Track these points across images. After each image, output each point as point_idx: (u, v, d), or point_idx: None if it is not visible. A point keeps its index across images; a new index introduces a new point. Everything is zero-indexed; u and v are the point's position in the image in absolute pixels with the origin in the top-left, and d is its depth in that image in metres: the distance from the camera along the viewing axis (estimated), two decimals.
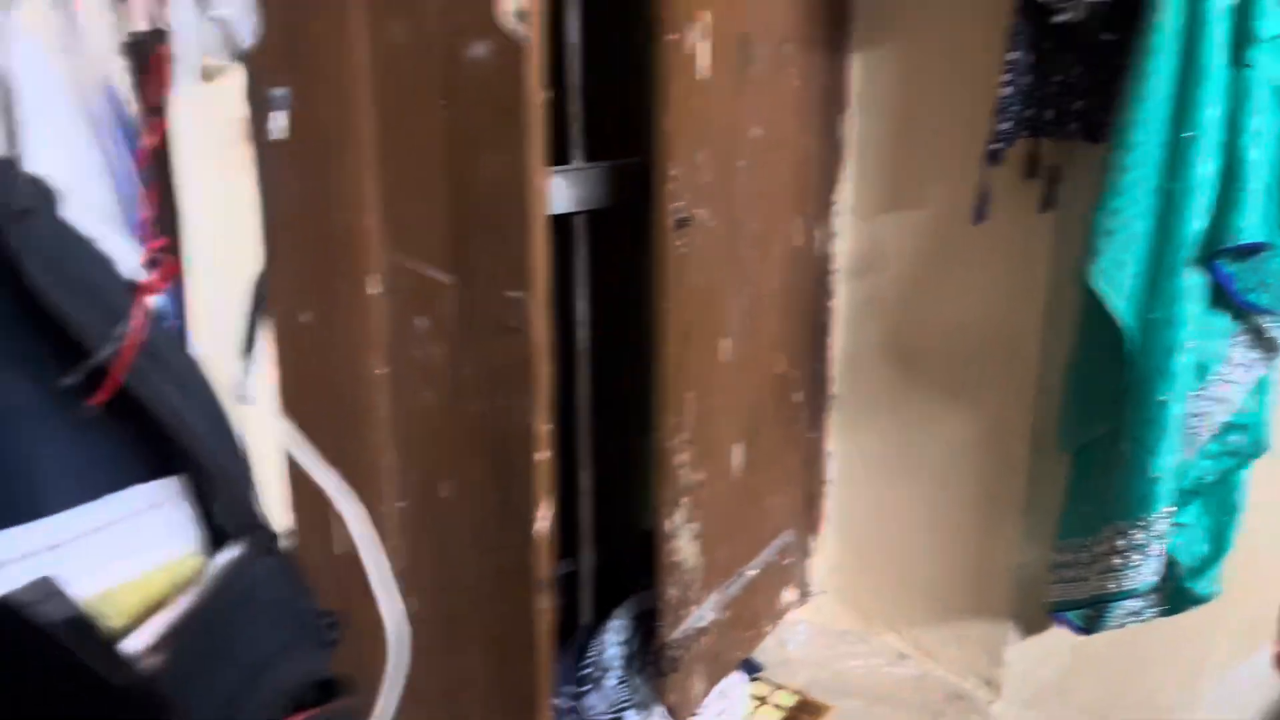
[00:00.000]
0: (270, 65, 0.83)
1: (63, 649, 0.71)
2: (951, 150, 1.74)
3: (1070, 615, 1.65)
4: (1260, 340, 1.44)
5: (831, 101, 1.84)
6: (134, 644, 0.76)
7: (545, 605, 1.19)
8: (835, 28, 1.80)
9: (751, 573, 1.86)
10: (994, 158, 1.53)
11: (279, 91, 0.86)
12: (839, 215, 1.92)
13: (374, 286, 1.14)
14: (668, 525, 1.58)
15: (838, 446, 2.05)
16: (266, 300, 0.84)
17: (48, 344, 0.82)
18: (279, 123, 0.87)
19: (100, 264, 0.73)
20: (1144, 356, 1.39)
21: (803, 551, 2.06)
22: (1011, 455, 1.76)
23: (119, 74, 0.83)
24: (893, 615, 2.04)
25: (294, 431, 0.88)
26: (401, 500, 1.20)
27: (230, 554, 0.80)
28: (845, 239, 1.94)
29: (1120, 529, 1.44)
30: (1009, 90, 1.48)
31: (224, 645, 0.70)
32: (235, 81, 0.89)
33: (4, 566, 0.81)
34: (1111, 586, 1.48)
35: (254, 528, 0.77)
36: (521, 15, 1.05)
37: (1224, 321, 1.43)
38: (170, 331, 0.76)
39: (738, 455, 1.76)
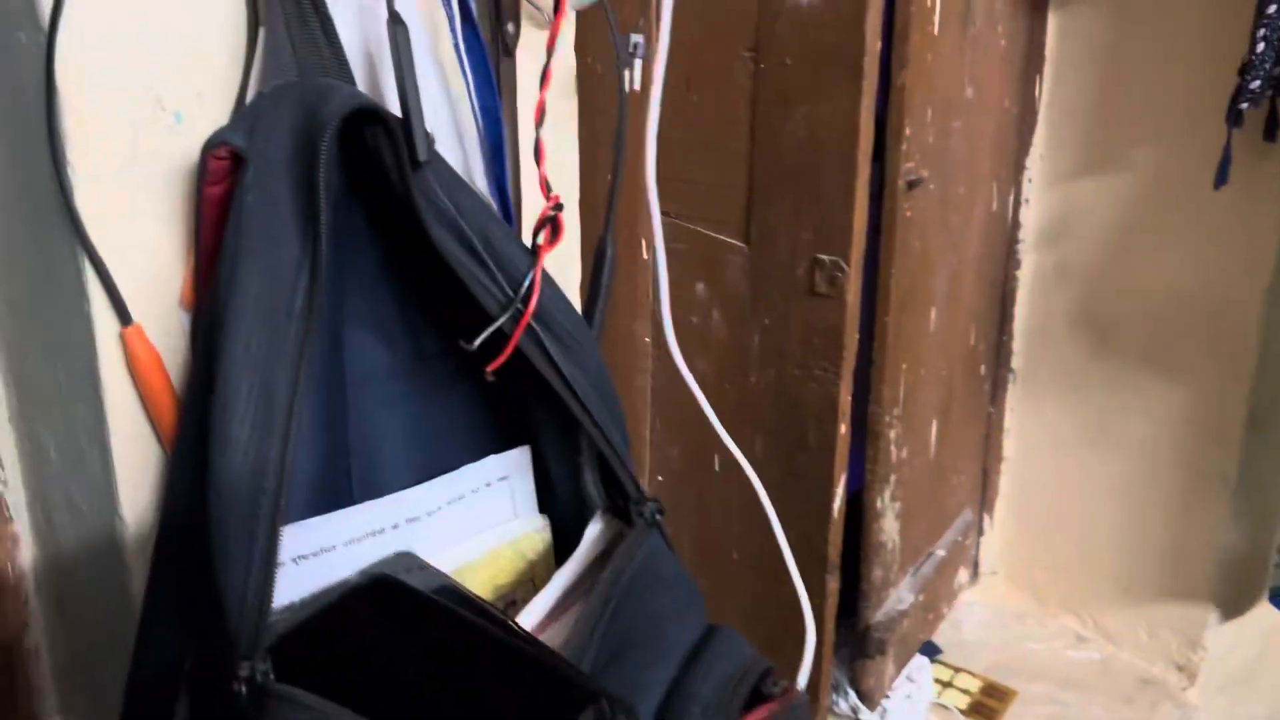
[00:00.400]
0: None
1: (451, 613, 0.65)
2: (1161, 111, 1.65)
3: None
4: None
5: (1029, 63, 1.75)
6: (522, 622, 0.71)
7: (834, 587, 1.14)
8: None
9: (940, 553, 1.80)
10: (1238, 119, 1.44)
11: (638, 37, 0.80)
12: (1030, 181, 1.84)
13: (647, 251, 1.09)
14: (879, 504, 1.52)
15: (1014, 422, 1.98)
16: (613, 264, 0.78)
17: (409, 307, 0.77)
18: (639, 72, 0.81)
19: (496, 223, 0.68)
20: None
21: (978, 531, 2.00)
22: (1223, 431, 1.68)
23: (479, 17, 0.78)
24: (1071, 597, 1.97)
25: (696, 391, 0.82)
26: (660, 474, 1.15)
27: (600, 526, 0.75)
28: (1034, 205, 1.86)
29: None
30: (1263, 45, 1.39)
31: (640, 630, 0.64)
32: (570, 30, 0.84)
33: (359, 541, 0.77)
34: None
35: (638, 500, 0.72)
36: None
37: None
38: (560, 293, 0.71)
39: (934, 431, 1.70)
